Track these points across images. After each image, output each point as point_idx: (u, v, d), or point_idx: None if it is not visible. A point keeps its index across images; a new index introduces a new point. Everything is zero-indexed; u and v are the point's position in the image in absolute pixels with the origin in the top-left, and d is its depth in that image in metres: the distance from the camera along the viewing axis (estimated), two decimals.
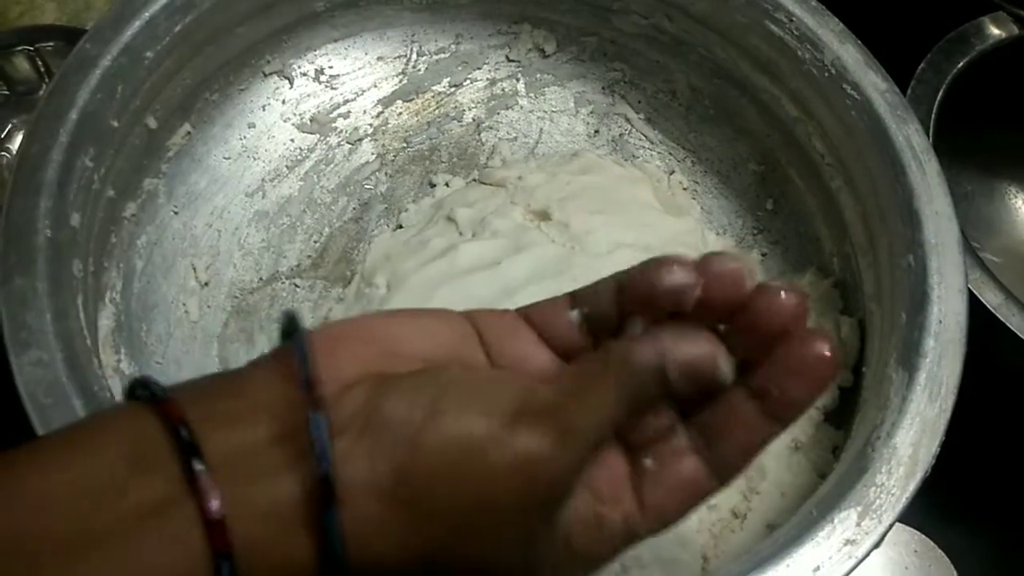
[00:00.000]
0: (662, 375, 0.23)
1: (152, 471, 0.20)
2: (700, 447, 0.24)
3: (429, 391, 0.22)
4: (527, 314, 0.26)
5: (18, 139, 0.48)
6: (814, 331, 0.23)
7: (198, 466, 0.20)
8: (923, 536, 0.42)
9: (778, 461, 0.39)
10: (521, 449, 0.21)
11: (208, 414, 0.21)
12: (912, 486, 0.33)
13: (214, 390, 0.23)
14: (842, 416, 0.41)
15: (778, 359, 0.23)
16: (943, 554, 0.42)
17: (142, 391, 0.22)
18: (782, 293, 0.23)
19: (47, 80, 0.49)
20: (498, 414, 0.22)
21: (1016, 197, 0.58)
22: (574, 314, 0.25)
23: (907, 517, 0.41)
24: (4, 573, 0.19)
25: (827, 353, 0.23)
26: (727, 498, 0.39)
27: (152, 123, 0.42)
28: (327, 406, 0.21)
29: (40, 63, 0.48)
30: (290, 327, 0.23)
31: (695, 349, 0.23)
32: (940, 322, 0.36)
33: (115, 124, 0.38)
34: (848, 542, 0.31)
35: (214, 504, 0.20)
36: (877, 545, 0.32)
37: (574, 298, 0.26)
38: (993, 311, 0.43)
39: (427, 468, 0.21)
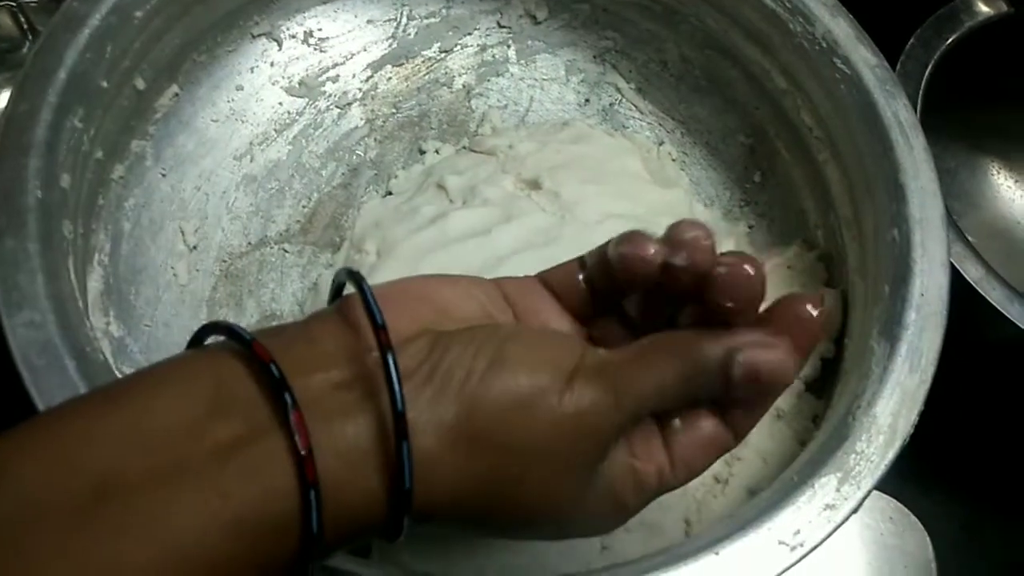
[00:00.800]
0: (726, 371, 0.24)
1: (233, 410, 0.22)
2: (717, 410, 0.26)
3: (490, 343, 0.24)
4: (545, 278, 0.29)
5: (1, 96, 0.47)
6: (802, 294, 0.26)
7: (289, 401, 0.21)
8: (898, 503, 0.43)
9: (760, 429, 0.40)
10: (577, 403, 0.23)
11: (285, 359, 0.22)
12: (891, 454, 0.34)
13: (287, 338, 0.24)
14: (823, 386, 0.42)
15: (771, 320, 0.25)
16: (917, 521, 0.43)
17: (219, 335, 0.24)
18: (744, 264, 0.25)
19: (31, 37, 0.48)
20: (559, 367, 0.24)
21: (999, 173, 0.59)
22: (583, 277, 0.28)
23: (883, 485, 0.42)
24: (94, 508, 0.20)
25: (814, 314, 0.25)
26: None
27: (140, 84, 0.41)
28: (395, 349, 0.23)
29: (23, 19, 0.47)
30: (353, 280, 0.24)
31: (769, 356, 0.25)
32: (922, 295, 0.37)
33: (104, 84, 0.38)
34: (828, 507, 0.32)
35: (304, 438, 0.21)
36: (856, 510, 0.33)
37: (582, 263, 0.28)
38: (974, 284, 0.44)
39: (487, 413, 0.23)
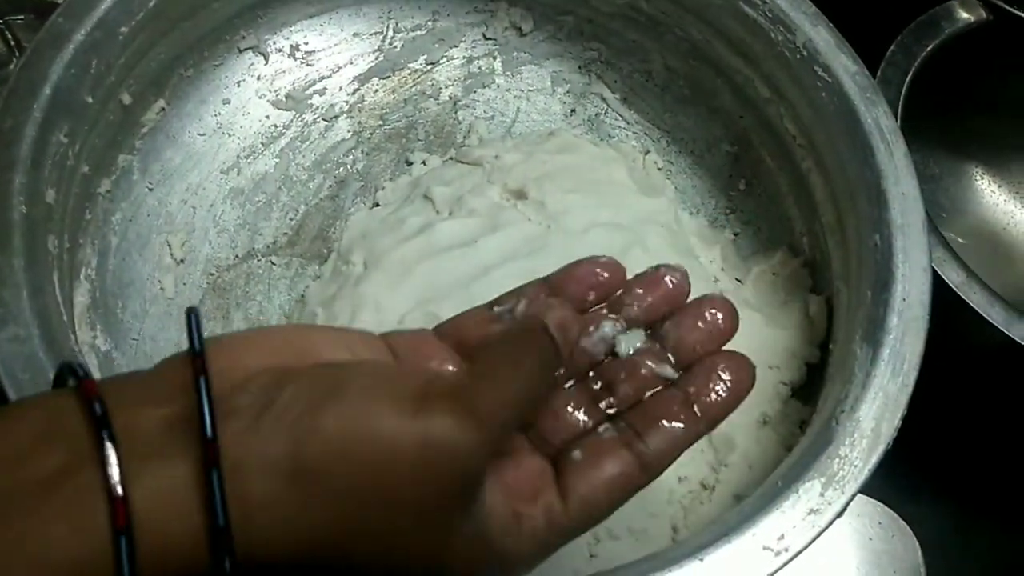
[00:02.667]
0: (549, 336, 0.24)
1: (57, 443, 0.20)
2: (629, 439, 0.25)
3: (329, 379, 0.22)
4: (442, 330, 0.27)
5: None
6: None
7: (105, 436, 0.20)
8: (887, 508, 0.43)
9: (747, 435, 0.41)
10: (424, 431, 0.21)
11: (119, 397, 0.21)
12: (874, 458, 0.34)
13: (130, 378, 0.23)
14: (809, 392, 0.42)
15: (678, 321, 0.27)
16: (906, 525, 0.43)
17: (67, 375, 0.22)
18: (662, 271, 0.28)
19: (17, 54, 0.48)
20: (401, 398, 0.21)
21: (982, 179, 0.59)
22: (494, 313, 0.27)
23: (872, 490, 0.42)
24: None
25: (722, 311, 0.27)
26: (696, 470, 0.40)
27: (126, 99, 0.42)
28: (210, 373, 0.21)
29: (10, 36, 0.48)
30: (186, 314, 0.23)
31: (563, 311, 0.25)
32: (904, 300, 0.37)
33: (89, 100, 0.38)
34: (812, 511, 0.32)
35: (115, 474, 0.19)
36: (840, 514, 0.33)
37: (492, 306, 0.27)
38: (956, 289, 0.45)
39: (320, 451, 0.20)
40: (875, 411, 0.35)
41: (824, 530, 0.32)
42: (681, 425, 0.26)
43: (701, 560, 0.31)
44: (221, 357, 0.22)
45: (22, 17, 0.47)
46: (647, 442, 0.25)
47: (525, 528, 0.23)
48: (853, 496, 0.33)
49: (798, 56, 0.43)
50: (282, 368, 0.22)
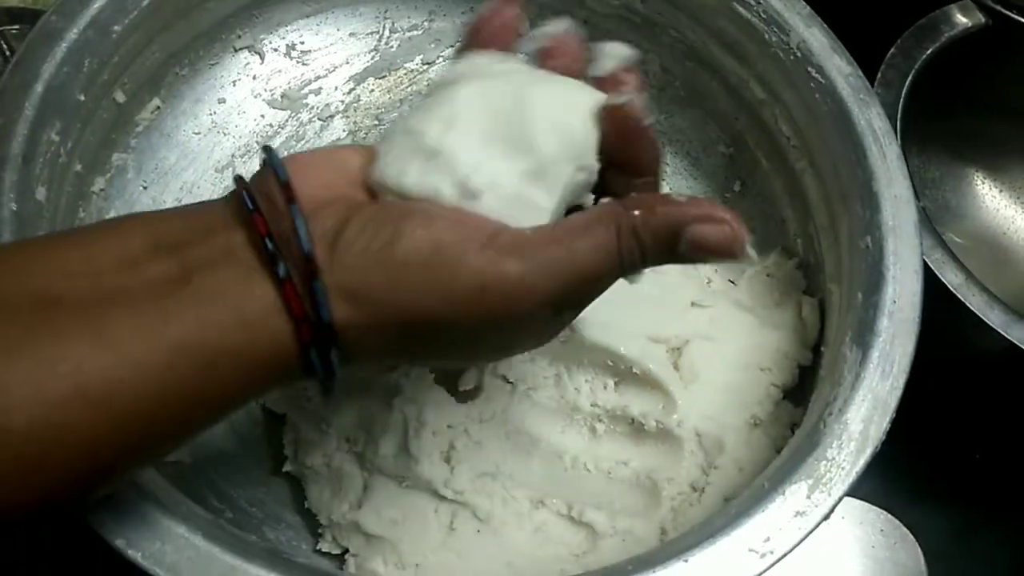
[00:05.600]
0: (672, 245, 0.25)
1: (174, 249, 0.24)
2: None
3: (395, 213, 0.25)
4: None
5: None
6: None
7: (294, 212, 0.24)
8: (889, 515, 0.43)
9: (737, 437, 0.40)
10: (481, 273, 0.24)
11: (208, 220, 0.25)
12: (862, 461, 0.34)
13: (207, 206, 0.26)
14: (801, 394, 0.42)
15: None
16: (908, 532, 0.43)
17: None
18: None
19: None
20: (467, 229, 0.24)
21: (982, 182, 0.59)
22: None
23: (873, 496, 0.42)
24: (42, 316, 0.22)
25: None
26: (686, 472, 0.40)
27: (120, 97, 0.42)
28: (301, 199, 0.24)
29: (4, 46, 0.48)
30: (264, 149, 0.26)
31: (716, 230, 0.26)
32: (894, 302, 0.37)
33: (82, 98, 0.38)
34: (798, 514, 0.32)
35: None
36: (827, 517, 0.33)
37: None
38: (954, 291, 0.44)
39: (395, 266, 0.24)
40: (863, 413, 0.34)
41: (810, 532, 0.32)
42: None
43: (686, 561, 0.31)
44: (294, 182, 0.25)
45: (17, 27, 0.47)
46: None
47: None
48: (840, 499, 0.33)
49: (792, 57, 0.43)
50: (345, 200, 0.25)
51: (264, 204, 0.24)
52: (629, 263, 0.26)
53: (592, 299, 0.27)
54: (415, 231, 0.24)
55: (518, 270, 0.24)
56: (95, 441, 0.22)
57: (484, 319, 0.24)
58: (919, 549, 0.43)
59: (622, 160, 0.28)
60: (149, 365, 0.22)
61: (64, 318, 0.22)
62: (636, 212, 0.25)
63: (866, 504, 0.43)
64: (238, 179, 0.26)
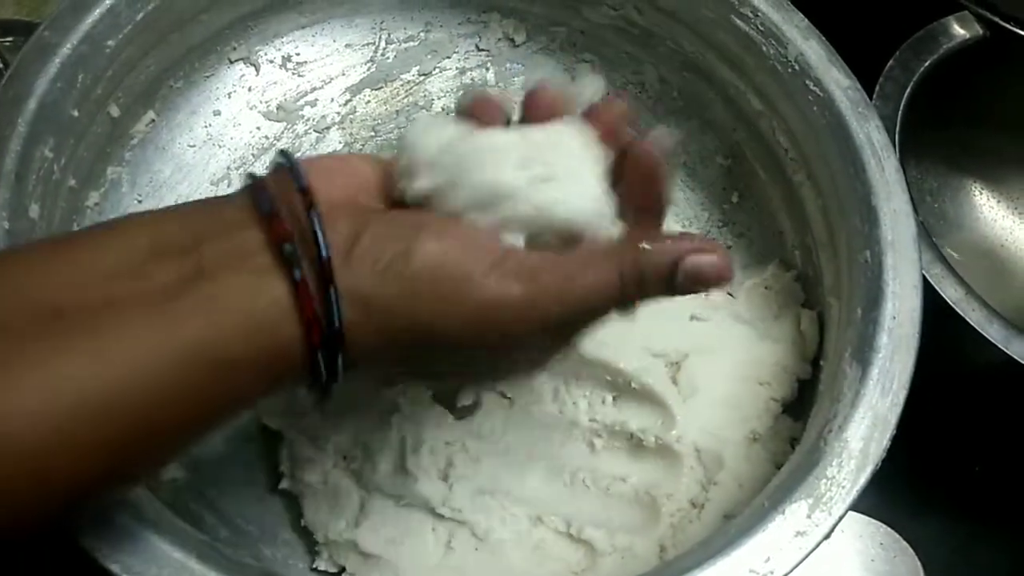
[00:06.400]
0: (670, 278, 0.27)
1: (177, 254, 0.23)
2: None
3: (408, 227, 0.25)
4: None
5: None
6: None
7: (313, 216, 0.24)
8: (888, 529, 0.43)
9: (736, 452, 0.40)
10: (487, 294, 0.24)
11: (220, 219, 0.25)
12: (863, 479, 0.33)
13: (220, 203, 0.26)
14: (800, 408, 0.41)
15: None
16: (908, 546, 0.43)
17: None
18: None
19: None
20: (476, 249, 0.25)
21: (980, 194, 0.59)
22: None
23: (873, 510, 0.42)
24: (47, 327, 0.22)
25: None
26: (685, 489, 0.39)
27: (115, 111, 0.42)
28: (319, 205, 0.24)
29: None
30: (282, 153, 0.27)
31: (709, 259, 0.27)
32: (894, 318, 0.36)
33: (75, 114, 0.38)
34: (798, 533, 0.32)
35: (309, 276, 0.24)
36: (827, 536, 0.32)
37: None
38: (953, 305, 0.44)
39: (404, 280, 0.24)
40: (864, 431, 0.34)
41: (811, 552, 0.32)
42: None
43: None
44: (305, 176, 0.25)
45: (11, 39, 0.47)
46: None
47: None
48: (841, 517, 0.33)
49: (790, 70, 0.43)
50: (359, 207, 0.26)
51: (282, 207, 0.24)
52: (629, 295, 0.27)
53: (588, 329, 0.28)
54: (427, 244, 0.24)
55: (522, 292, 0.25)
56: (100, 452, 0.22)
57: (486, 337, 0.25)
58: (919, 563, 0.43)
59: (629, 193, 0.29)
60: (157, 372, 0.22)
61: (66, 330, 0.22)
62: (638, 247, 0.27)
63: (865, 517, 0.43)
64: (253, 177, 0.26)
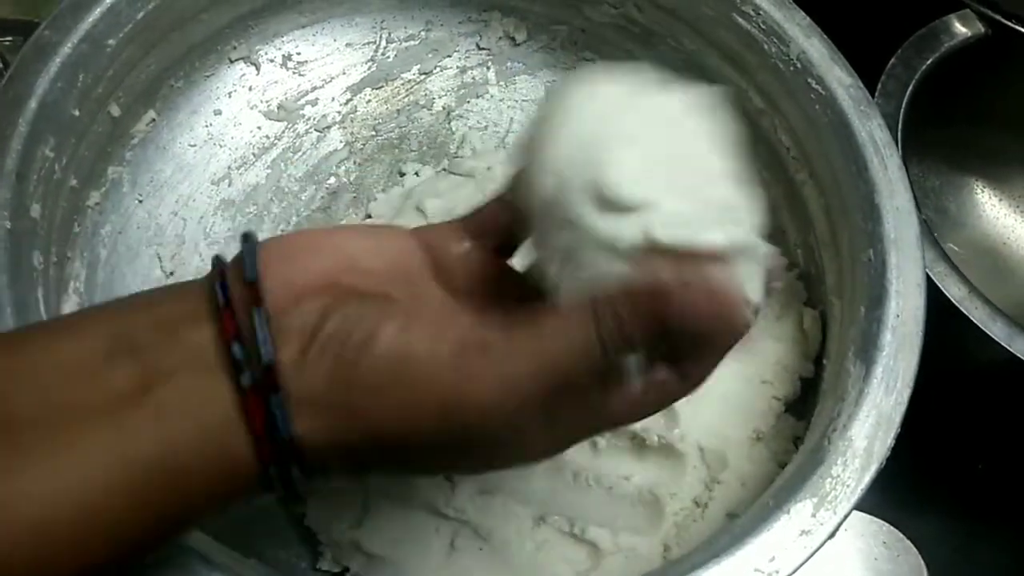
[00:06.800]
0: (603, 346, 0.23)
1: (134, 355, 0.22)
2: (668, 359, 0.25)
3: (375, 313, 0.23)
4: (466, 223, 0.28)
5: None
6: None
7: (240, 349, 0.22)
8: (892, 528, 0.43)
9: (739, 451, 0.40)
10: (454, 384, 0.22)
11: (176, 309, 0.23)
12: (867, 478, 0.33)
13: (176, 290, 0.25)
14: (803, 407, 0.41)
15: None
16: (911, 545, 0.43)
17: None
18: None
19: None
20: (441, 339, 0.23)
21: (983, 192, 0.59)
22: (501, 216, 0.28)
23: (875, 509, 0.42)
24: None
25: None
26: (689, 488, 0.39)
27: (115, 110, 0.41)
28: (267, 305, 0.22)
29: None
30: (243, 237, 0.24)
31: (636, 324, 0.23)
32: (897, 316, 0.36)
33: (76, 113, 0.38)
34: (803, 532, 0.32)
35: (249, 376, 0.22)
36: (832, 535, 0.32)
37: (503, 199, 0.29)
38: (956, 304, 0.44)
39: (361, 382, 0.22)
40: (868, 430, 0.34)
41: (816, 551, 0.32)
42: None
43: None
44: (269, 275, 0.23)
45: (9, 39, 0.47)
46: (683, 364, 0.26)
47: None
48: (845, 516, 0.33)
49: (792, 68, 0.43)
50: (330, 287, 0.23)
51: (236, 300, 0.23)
52: (613, 346, 0.23)
53: (585, 405, 0.24)
54: (389, 336, 0.22)
55: (480, 389, 0.22)
56: (61, 570, 0.21)
57: (452, 438, 0.23)
58: (922, 561, 0.43)
59: None
60: (108, 489, 0.21)
61: (19, 442, 0.21)
62: (615, 293, 0.23)
63: (868, 516, 0.42)
64: (217, 262, 0.24)
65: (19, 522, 0.20)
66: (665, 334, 0.23)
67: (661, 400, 0.26)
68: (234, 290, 0.23)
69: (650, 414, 0.26)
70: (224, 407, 0.22)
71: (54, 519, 0.20)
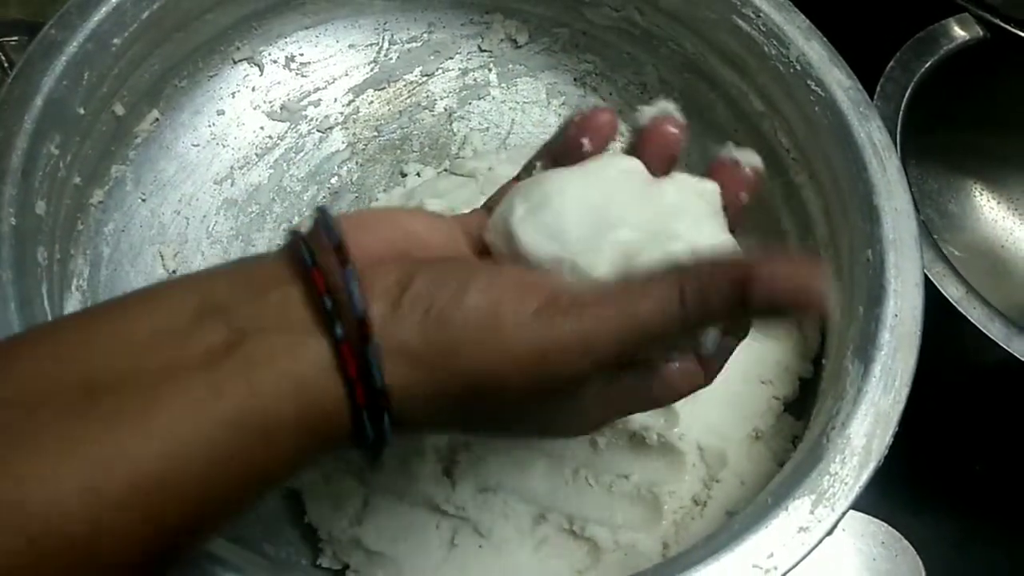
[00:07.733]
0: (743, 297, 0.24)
1: (221, 316, 0.23)
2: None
3: (459, 272, 0.24)
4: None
5: None
6: None
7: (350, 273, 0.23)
8: (890, 527, 0.43)
9: (739, 450, 0.40)
10: (541, 338, 0.23)
11: (256, 280, 0.24)
12: (865, 475, 0.33)
13: (253, 262, 0.26)
14: (802, 407, 0.42)
15: None
16: (909, 545, 0.43)
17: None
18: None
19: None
20: (528, 293, 0.24)
21: (982, 195, 0.59)
22: None
23: (874, 508, 0.42)
24: (86, 402, 0.21)
25: None
26: (688, 486, 0.39)
27: (119, 109, 0.42)
28: (355, 262, 0.23)
29: (3, 57, 0.47)
30: (318, 210, 0.25)
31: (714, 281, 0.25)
32: (896, 316, 0.37)
33: (81, 111, 0.38)
34: (801, 529, 0.32)
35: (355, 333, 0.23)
36: (830, 532, 0.32)
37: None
38: (955, 304, 0.44)
39: (457, 333, 0.23)
40: (866, 428, 0.34)
41: (814, 548, 0.32)
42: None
43: None
44: (349, 242, 0.24)
45: (15, 39, 0.47)
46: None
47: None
48: (843, 514, 0.33)
49: (791, 70, 0.43)
50: (404, 256, 0.25)
51: (323, 261, 0.24)
52: (695, 315, 0.24)
53: (656, 359, 0.27)
54: (477, 291, 0.23)
55: (573, 330, 0.23)
56: (149, 535, 0.21)
57: (542, 383, 0.24)
58: (920, 561, 0.43)
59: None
60: (202, 445, 0.21)
61: (108, 406, 0.21)
62: (701, 262, 0.24)
63: (867, 516, 0.43)
64: (294, 234, 0.25)
65: (117, 481, 0.20)
66: (743, 307, 0.24)
67: (691, 387, 0.29)
68: (319, 253, 0.24)
69: (676, 400, 0.29)
70: (318, 357, 0.23)
71: (147, 479, 0.20)
